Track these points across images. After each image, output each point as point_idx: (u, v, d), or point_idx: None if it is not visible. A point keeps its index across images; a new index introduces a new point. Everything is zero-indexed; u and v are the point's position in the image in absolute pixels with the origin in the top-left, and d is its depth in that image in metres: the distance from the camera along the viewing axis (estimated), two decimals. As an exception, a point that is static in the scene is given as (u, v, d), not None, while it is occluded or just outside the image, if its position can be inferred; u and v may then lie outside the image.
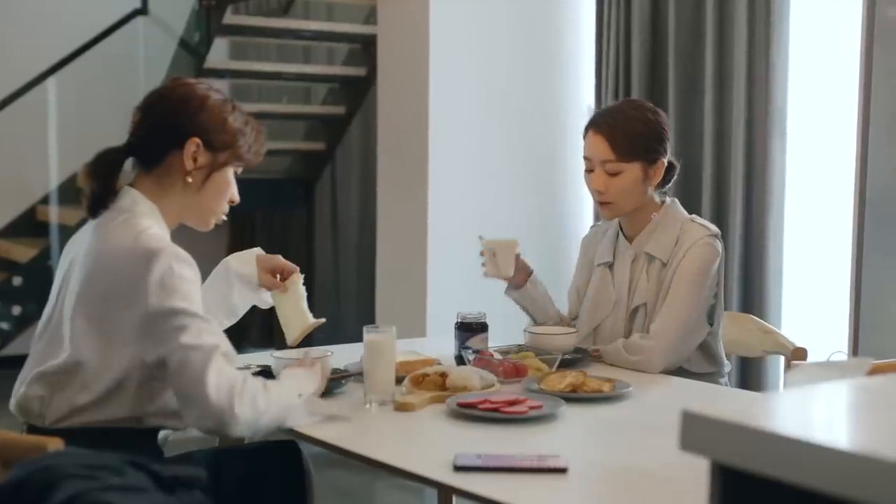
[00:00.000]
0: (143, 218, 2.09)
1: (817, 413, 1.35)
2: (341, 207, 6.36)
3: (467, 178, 4.59)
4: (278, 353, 2.42)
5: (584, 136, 2.76)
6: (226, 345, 2.00)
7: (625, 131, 2.67)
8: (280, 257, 2.48)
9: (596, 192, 2.72)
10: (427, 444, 2.04)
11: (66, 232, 5.66)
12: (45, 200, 6.31)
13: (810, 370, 1.63)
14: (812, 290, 4.04)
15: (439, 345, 2.85)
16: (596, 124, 2.72)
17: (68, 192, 6.23)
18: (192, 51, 5.86)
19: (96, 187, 2.10)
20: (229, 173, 2.21)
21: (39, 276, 5.76)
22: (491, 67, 4.61)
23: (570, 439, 2.05)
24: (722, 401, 2.36)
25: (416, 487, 4.25)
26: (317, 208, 6.50)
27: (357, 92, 6.06)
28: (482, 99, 4.60)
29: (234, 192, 2.23)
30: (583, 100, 4.76)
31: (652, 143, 2.69)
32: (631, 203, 2.71)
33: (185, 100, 2.15)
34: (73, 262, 2.11)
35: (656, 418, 2.21)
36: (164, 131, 2.14)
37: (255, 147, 2.23)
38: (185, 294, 1.98)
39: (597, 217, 4.54)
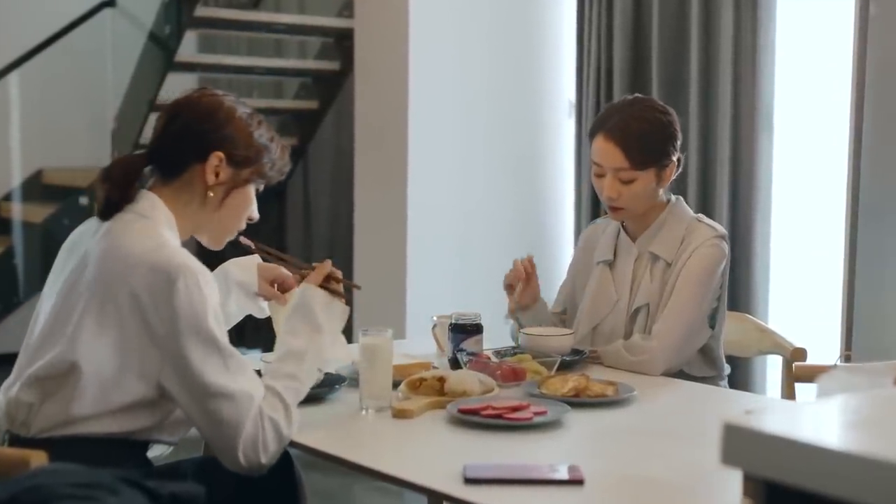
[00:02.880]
0: (162, 227, 1.99)
1: (866, 425, 1.28)
2: (314, 204, 6.25)
3: (448, 174, 4.50)
4: (269, 357, 2.32)
5: (592, 139, 2.63)
6: (253, 384, 1.92)
7: (639, 138, 2.56)
8: (282, 268, 2.38)
9: (607, 199, 2.61)
10: (430, 453, 1.94)
11: (31, 229, 5.53)
12: (8, 197, 6.15)
13: (840, 377, 1.55)
14: (802, 287, 3.99)
15: (421, 346, 2.75)
16: (607, 130, 2.58)
17: (32, 188, 6.10)
18: (162, 44, 5.73)
19: (111, 194, 2.00)
20: (250, 191, 2.11)
21: (5, 275, 5.62)
22: (471, 61, 4.53)
23: (579, 447, 1.97)
24: (739, 408, 2.30)
25: (396, 490, 4.16)
26: (288, 205, 6.39)
27: (330, 87, 5.96)
28: (462, 93, 4.52)
29: (253, 210, 2.13)
30: (564, 94, 4.69)
31: (666, 147, 2.60)
32: (643, 206, 2.62)
33: (212, 111, 2.05)
34: (81, 262, 1.98)
35: (666, 424, 2.14)
36: (187, 142, 2.04)
37: (279, 165, 2.14)
38: (214, 316, 1.89)
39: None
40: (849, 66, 3.52)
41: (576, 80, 4.56)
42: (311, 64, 6.09)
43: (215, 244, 2.15)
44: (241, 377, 1.90)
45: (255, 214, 2.14)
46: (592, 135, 2.64)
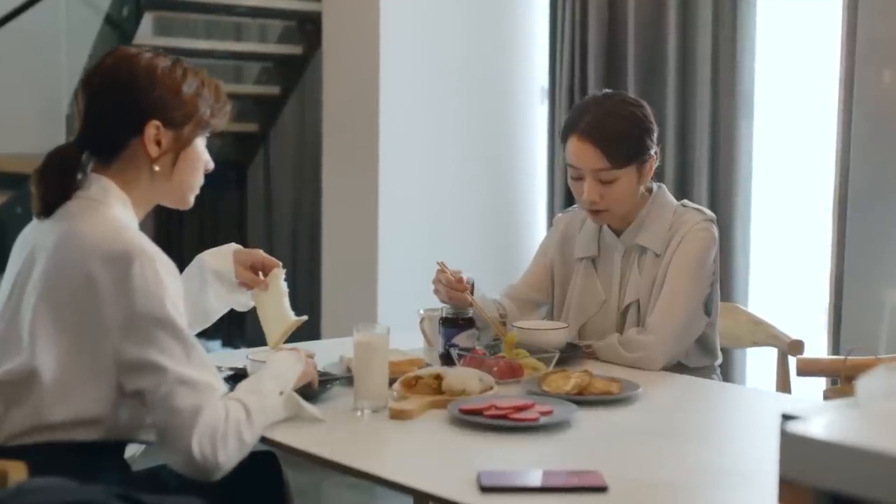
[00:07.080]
0: (118, 210, 1.87)
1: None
2: (275, 193, 6.11)
3: (419, 161, 4.39)
4: (253, 355, 2.20)
5: (564, 141, 2.50)
6: (215, 378, 1.81)
7: (617, 137, 2.44)
8: (260, 251, 2.27)
9: (588, 203, 2.49)
10: (435, 457, 1.84)
11: (-20, 223, 5.32)
12: (-46, 188, 5.92)
13: (882, 376, 1.47)
14: (783, 275, 3.93)
15: (397, 341, 2.57)
16: (582, 131, 2.45)
17: (-19, 179, 5.87)
18: (119, 27, 5.54)
19: (50, 191, 1.87)
20: (200, 145, 1.97)
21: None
22: (442, 47, 4.41)
23: (591, 449, 1.86)
24: (750, 405, 2.23)
25: (367, 486, 4.05)
26: (249, 193, 6.25)
27: (292, 71, 5.81)
28: (433, 78, 4.40)
29: (208, 160, 2.00)
30: (536, 80, 4.58)
31: (644, 141, 2.48)
32: (627, 207, 2.51)
33: (132, 78, 1.89)
34: (31, 255, 1.86)
35: (677, 424, 2.06)
36: (117, 119, 1.90)
37: (218, 107, 1.98)
38: (173, 303, 1.77)
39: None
40: (836, 48, 3.44)
41: (549, 65, 4.46)
42: (272, 48, 5.94)
43: (182, 205, 2.02)
44: (202, 369, 1.78)
45: (211, 164, 2.00)
46: (565, 137, 2.50)
